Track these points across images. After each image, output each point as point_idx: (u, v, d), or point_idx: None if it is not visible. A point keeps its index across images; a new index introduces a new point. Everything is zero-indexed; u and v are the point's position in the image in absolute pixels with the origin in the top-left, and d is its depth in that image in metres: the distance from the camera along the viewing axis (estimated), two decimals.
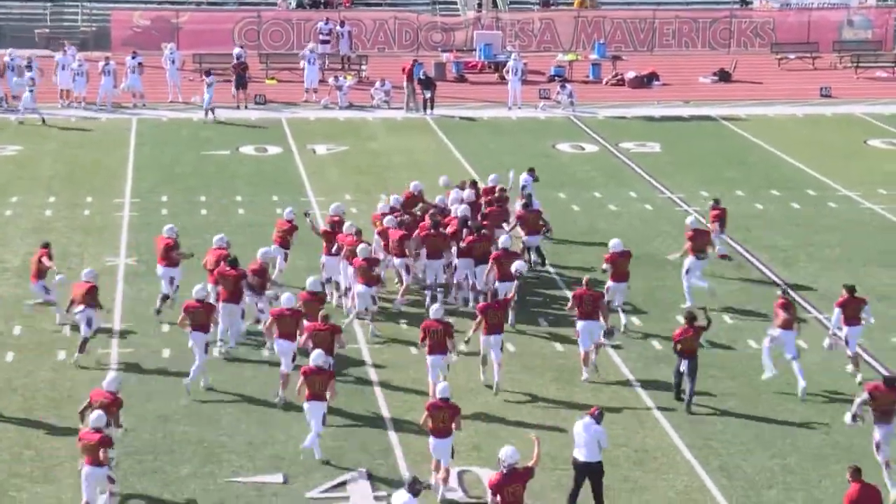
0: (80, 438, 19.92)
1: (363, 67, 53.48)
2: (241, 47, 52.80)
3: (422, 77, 47.69)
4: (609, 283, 27.19)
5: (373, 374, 25.28)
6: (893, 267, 31.79)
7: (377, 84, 48.92)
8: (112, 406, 20.61)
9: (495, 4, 60.36)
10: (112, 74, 47.00)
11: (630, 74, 53.68)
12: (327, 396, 21.83)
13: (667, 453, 22.30)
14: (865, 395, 21.12)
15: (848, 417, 21.44)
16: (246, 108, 47.73)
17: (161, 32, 55.68)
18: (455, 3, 60.86)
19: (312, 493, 20.92)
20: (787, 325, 24.62)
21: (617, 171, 40.07)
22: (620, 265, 27.34)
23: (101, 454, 19.56)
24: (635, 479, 21.41)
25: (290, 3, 59.24)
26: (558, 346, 26.76)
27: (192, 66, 52.28)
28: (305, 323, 24.09)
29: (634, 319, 28.09)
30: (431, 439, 20.83)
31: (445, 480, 20.85)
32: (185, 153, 41.57)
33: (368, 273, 26.74)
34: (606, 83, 53.82)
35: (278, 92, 50.40)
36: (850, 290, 25.33)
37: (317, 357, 22.04)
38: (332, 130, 45.06)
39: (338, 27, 54.74)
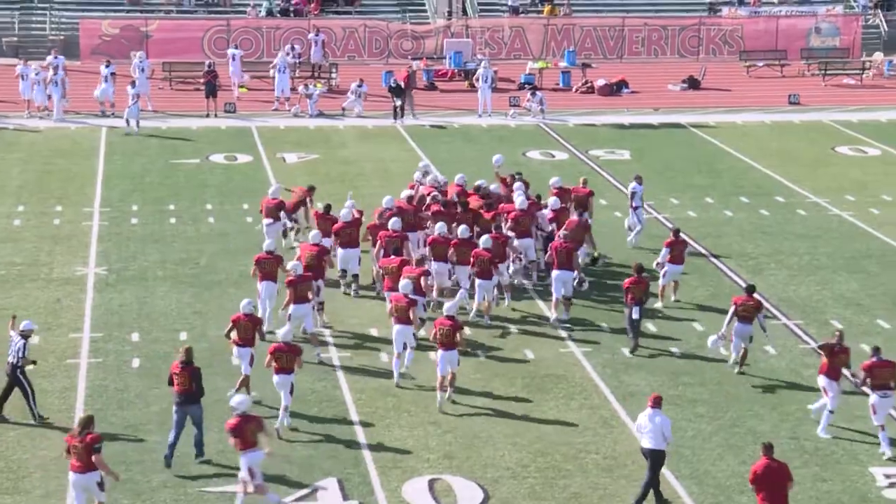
0: (276, 357, 22.95)
1: (333, 75, 53.48)
2: (236, 47, 52.70)
3: (392, 85, 47.74)
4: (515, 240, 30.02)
5: (343, 382, 25.28)
6: (861, 273, 31.96)
7: (353, 86, 48.75)
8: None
9: (465, 12, 60.46)
10: (61, 84, 46.67)
11: (600, 82, 53.86)
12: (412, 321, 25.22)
13: (637, 460, 22.28)
14: (733, 307, 25.36)
15: (712, 339, 25.87)
16: (216, 116, 47.65)
17: (130, 41, 55.57)
18: (425, 11, 60.93)
19: (283, 502, 20.89)
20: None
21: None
22: (522, 223, 30.11)
23: (297, 363, 22.95)
24: (605, 486, 21.45)
25: (260, 12, 59.19)
26: (529, 354, 26.82)
27: (162, 74, 52.19)
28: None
29: (604, 324, 28.22)
30: (439, 352, 23.93)
31: (452, 383, 24.14)
32: (155, 162, 41.45)
33: (488, 267, 27.99)
34: (576, 91, 53.99)
35: (248, 100, 50.35)
36: (676, 232, 29.60)
37: (405, 286, 25.48)
38: (303, 138, 45.02)
39: (311, 35, 54.73)
